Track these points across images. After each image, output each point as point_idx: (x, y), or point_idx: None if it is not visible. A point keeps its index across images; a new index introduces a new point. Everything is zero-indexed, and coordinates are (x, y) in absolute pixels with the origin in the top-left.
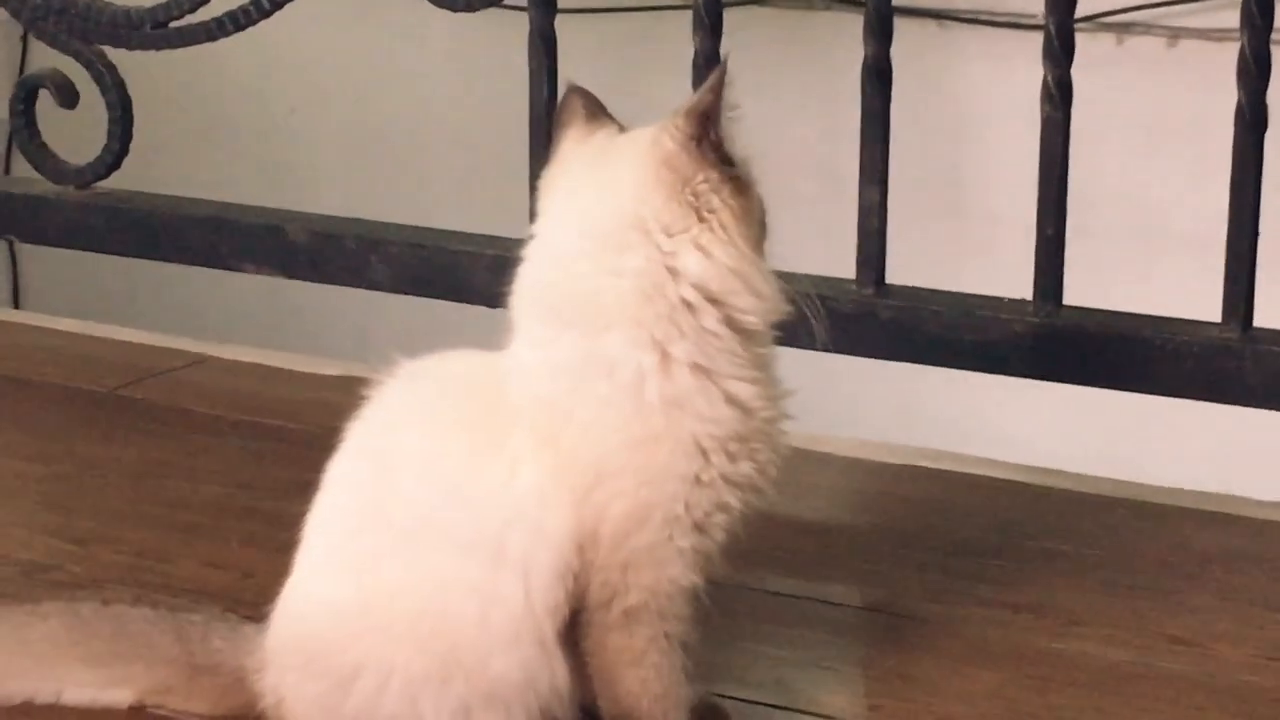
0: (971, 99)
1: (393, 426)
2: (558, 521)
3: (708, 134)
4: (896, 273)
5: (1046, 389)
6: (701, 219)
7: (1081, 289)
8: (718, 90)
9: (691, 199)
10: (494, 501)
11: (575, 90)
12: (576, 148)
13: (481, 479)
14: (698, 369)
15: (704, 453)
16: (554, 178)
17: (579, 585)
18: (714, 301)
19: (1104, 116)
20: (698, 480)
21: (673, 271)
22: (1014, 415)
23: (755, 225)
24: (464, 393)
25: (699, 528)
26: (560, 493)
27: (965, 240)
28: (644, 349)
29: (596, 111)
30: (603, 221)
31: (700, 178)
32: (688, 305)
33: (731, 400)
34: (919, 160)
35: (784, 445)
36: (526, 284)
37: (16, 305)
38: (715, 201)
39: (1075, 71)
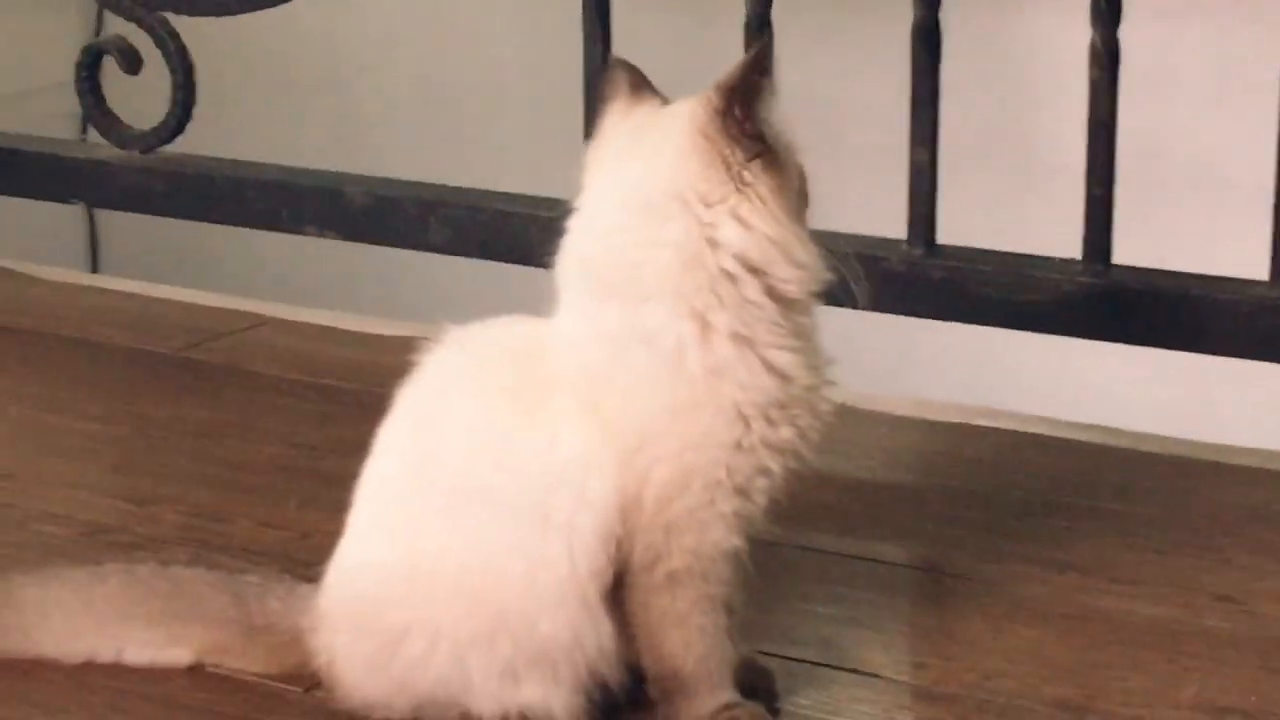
0: (1033, 53)
1: (440, 393)
2: (601, 486)
3: (733, 110)
4: (960, 230)
5: (1097, 347)
6: (739, 190)
7: (1147, 244)
8: (750, 68)
9: (727, 170)
10: (538, 466)
11: (619, 64)
12: (620, 121)
13: (526, 445)
14: (738, 338)
15: (745, 419)
16: (597, 150)
17: (622, 549)
18: (754, 271)
19: (1170, 69)
20: (739, 446)
21: (712, 242)
22: (1066, 373)
23: (793, 196)
24: (510, 360)
25: (740, 492)
26: (603, 458)
27: (1030, 196)
28: (684, 318)
29: (640, 85)
30: (642, 192)
31: (730, 151)
32: (728, 275)
33: (771, 368)
34: (983, 116)
35: (826, 411)
36: (569, 255)
37: (95, 269)
38: (748, 175)
39: (1141, 25)
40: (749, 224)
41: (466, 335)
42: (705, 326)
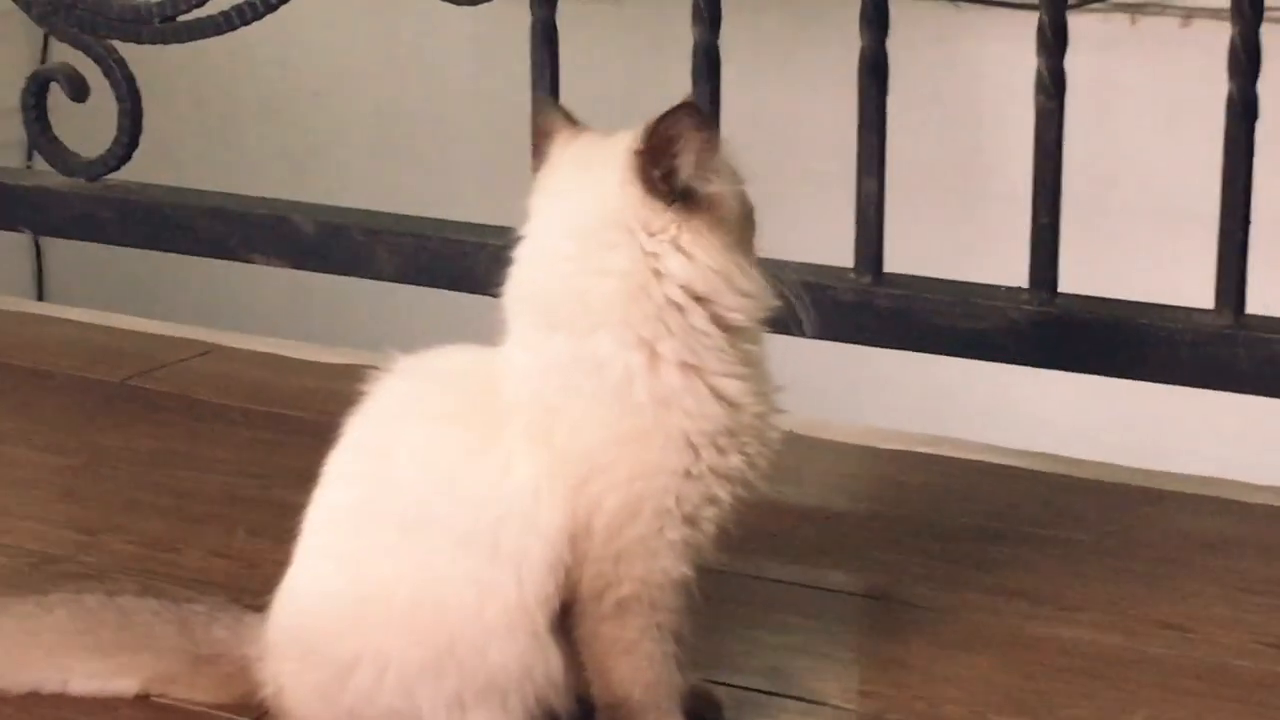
0: (987, 81)
1: (390, 422)
2: (550, 516)
3: (649, 170)
4: (909, 259)
5: (1044, 375)
6: (677, 223)
7: (1095, 270)
8: (666, 133)
9: (665, 204)
10: (489, 496)
11: (547, 102)
12: (563, 149)
13: (477, 474)
14: (686, 366)
15: (693, 448)
16: (542, 179)
17: (571, 577)
18: (699, 300)
19: (1117, 98)
20: (688, 474)
21: (657, 272)
22: (1014, 401)
23: (735, 227)
24: (459, 389)
25: (689, 520)
26: (554, 488)
27: (986, 224)
28: (631, 348)
29: (572, 120)
30: (588, 221)
31: (655, 200)
32: (674, 304)
33: (720, 396)
34: (935, 144)
35: (774, 439)
36: (516, 285)
37: (40, 297)
38: (678, 215)
39: (1089, 53)
40: (691, 254)
41: (415, 365)
42: (653, 355)
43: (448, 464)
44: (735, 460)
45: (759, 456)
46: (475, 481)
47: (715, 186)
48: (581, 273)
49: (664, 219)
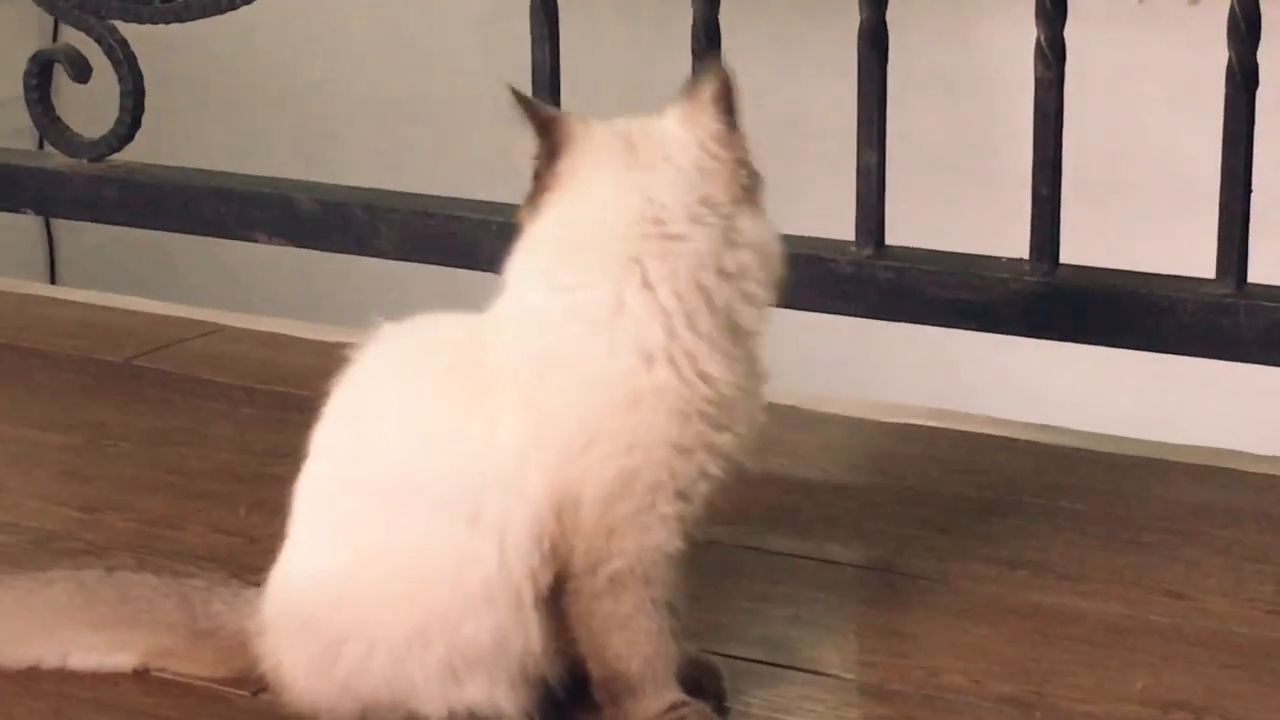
0: (991, 56)
1: (373, 391)
2: (537, 481)
3: (732, 126)
4: (916, 233)
5: (1046, 347)
6: (743, 198)
7: (1102, 245)
8: (726, 84)
9: (733, 179)
10: (473, 461)
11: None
12: (594, 131)
13: (461, 439)
14: (691, 336)
15: (687, 418)
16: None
17: (560, 551)
18: (729, 276)
19: (1125, 75)
20: (682, 446)
21: (730, 242)
22: (1015, 373)
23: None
24: (443, 355)
25: (681, 495)
26: (542, 454)
27: (992, 199)
28: (648, 318)
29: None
30: (676, 194)
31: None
32: (722, 274)
33: (713, 371)
34: (939, 120)
35: (761, 414)
36: (546, 244)
37: (53, 280)
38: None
39: (1097, 29)
40: (754, 226)
41: (398, 331)
42: (667, 325)
43: (430, 429)
44: (726, 436)
45: (748, 432)
46: (458, 446)
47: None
48: (632, 237)
49: (732, 194)
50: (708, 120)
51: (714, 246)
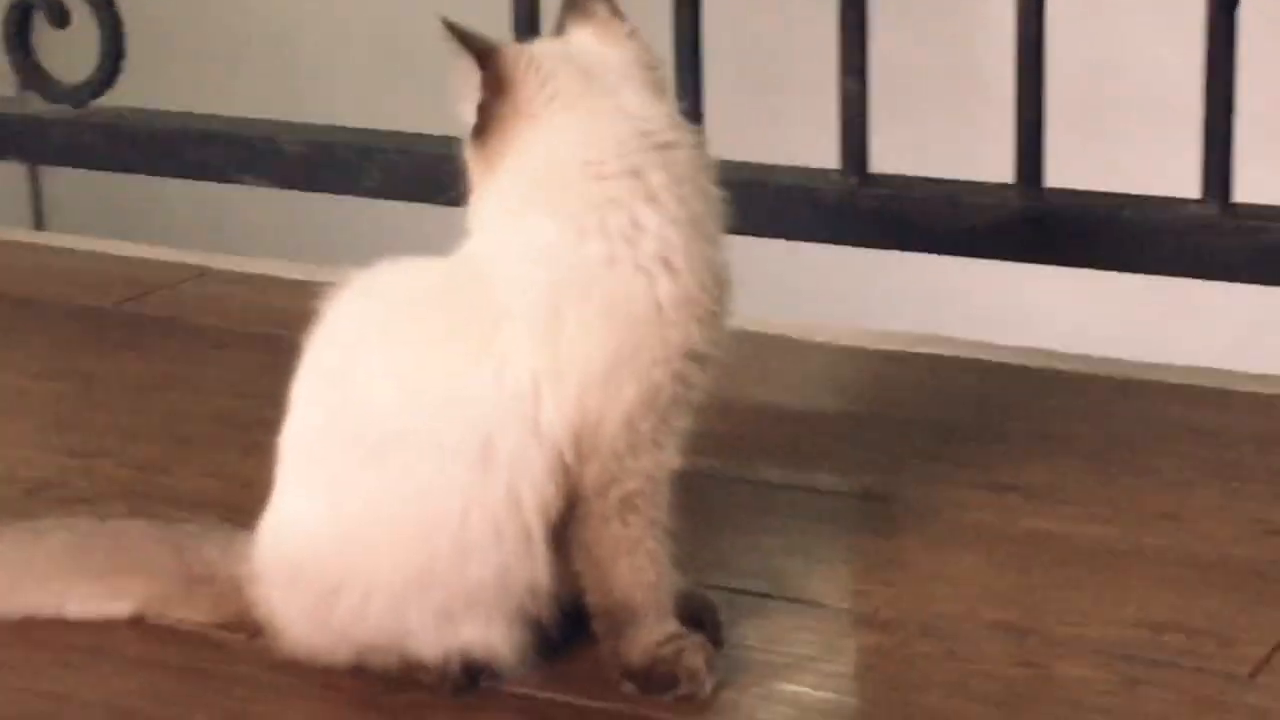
0: None
1: (354, 340)
2: (553, 416)
3: None
4: (900, 160)
5: (1033, 270)
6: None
7: (1088, 166)
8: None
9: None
10: (480, 403)
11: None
12: (541, 59)
13: (464, 382)
14: (699, 240)
15: (703, 324)
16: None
17: (571, 477)
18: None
19: None
20: (698, 354)
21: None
22: (1003, 298)
23: None
24: (429, 299)
25: (692, 406)
26: (559, 386)
27: (978, 124)
28: (660, 231)
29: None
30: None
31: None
32: (710, 170)
33: (724, 271)
34: (924, 44)
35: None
36: (533, 177)
37: (39, 226)
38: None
39: None
40: None
41: (373, 279)
42: (682, 233)
43: (426, 375)
44: (723, 337)
45: (723, 344)
46: (461, 390)
47: None
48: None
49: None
50: (621, 34)
51: (700, 145)
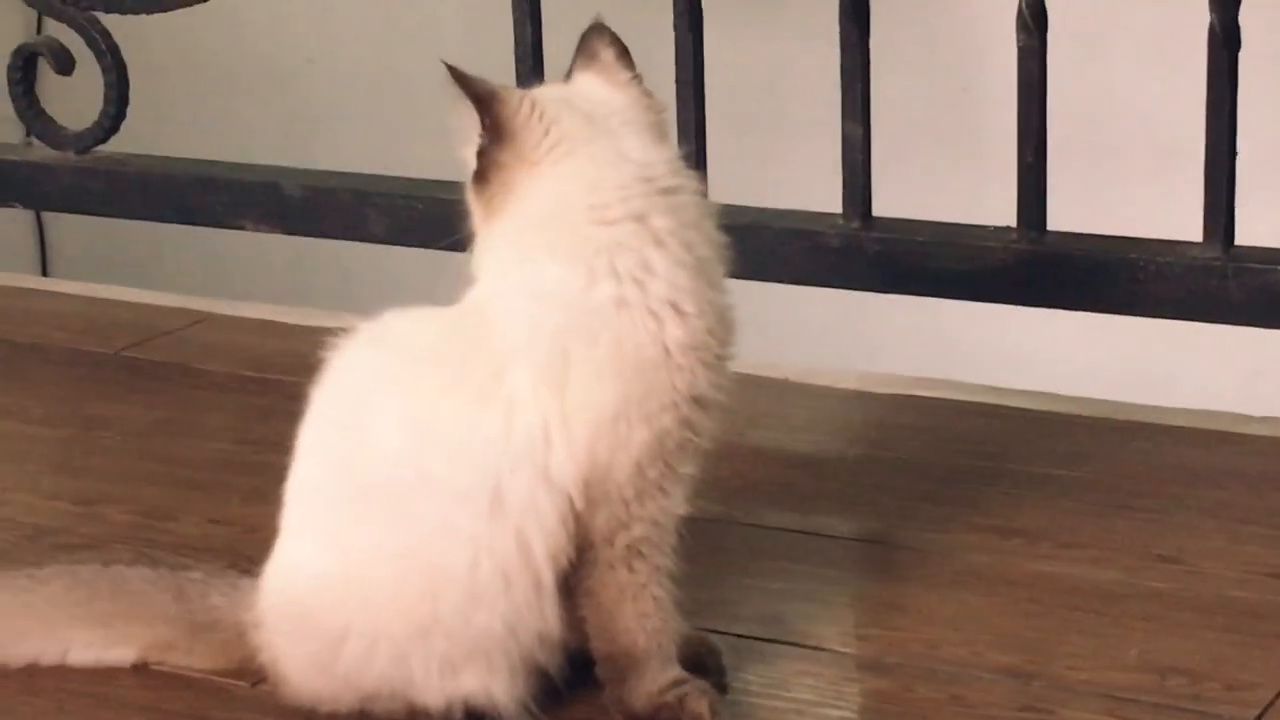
0: (975, 22)
1: (364, 388)
2: (563, 462)
3: None
4: (904, 202)
5: (1035, 314)
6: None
7: (1088, 208)
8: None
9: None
10: (488, 451)
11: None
12: (544, 104)
13: (471, 431)
14: (705, 284)
15: (710, 368)
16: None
17: (580, 525)
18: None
19: (1105, 35)
20: (705, 400)
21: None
22: (1005, 341)
23: None
24: (435, 348)
25: (698, 452)
26: (568, 431)
27: (979, 166)
28: (668, 275)
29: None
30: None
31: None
32: (712, 216)
33: (729, 315)
34: (925, 87)
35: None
36: (538, 222)
37: (45, 272)
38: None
39: None
40: None
41: (381, 328)
42: (690, 276)
43: (434, 424)
44: (720, 387)
45: (727, 388)
46: (468, 438)
47: None
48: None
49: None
50: (624, 80)
51: (702, 191)
